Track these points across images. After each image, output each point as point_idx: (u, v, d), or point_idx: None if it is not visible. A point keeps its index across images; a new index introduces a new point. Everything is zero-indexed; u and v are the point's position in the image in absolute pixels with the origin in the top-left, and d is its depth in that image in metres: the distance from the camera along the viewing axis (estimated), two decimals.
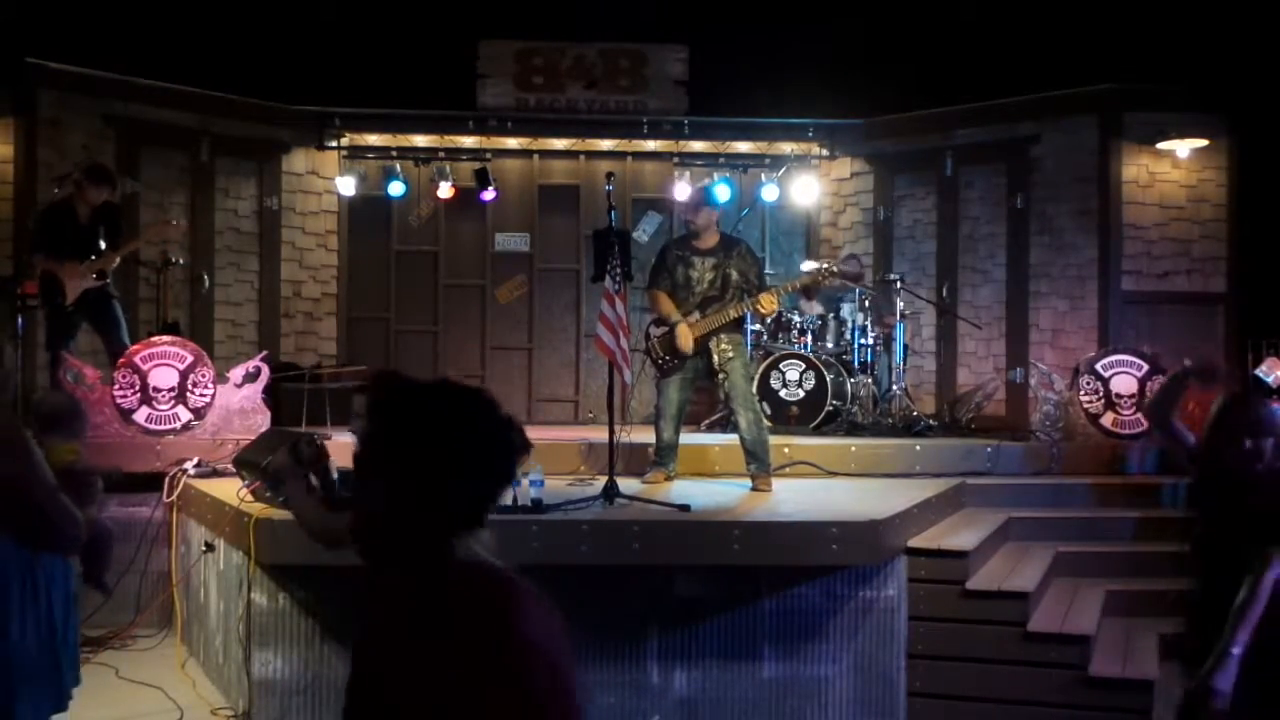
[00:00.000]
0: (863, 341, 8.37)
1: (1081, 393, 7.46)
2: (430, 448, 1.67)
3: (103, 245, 7.04)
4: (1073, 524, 6.33)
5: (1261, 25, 7.96)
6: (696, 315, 6.15)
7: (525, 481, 5.01)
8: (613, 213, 5.76)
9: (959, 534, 5.51)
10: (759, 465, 6.09)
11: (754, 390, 6.54)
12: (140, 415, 6.64)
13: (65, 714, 3.41)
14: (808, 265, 8.64)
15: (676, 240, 6.59)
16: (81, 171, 7.18)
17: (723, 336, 6.15)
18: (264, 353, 7.60)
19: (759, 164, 9.90)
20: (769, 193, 9.62)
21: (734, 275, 6.18)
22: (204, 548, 5.59)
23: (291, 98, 9.40)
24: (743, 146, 9.98)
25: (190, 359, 6.76)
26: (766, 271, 9.46)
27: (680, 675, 4.98)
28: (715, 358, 6.13)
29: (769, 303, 6.19)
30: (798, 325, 8.37)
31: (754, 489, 6.02)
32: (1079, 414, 7.48)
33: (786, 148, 9.87)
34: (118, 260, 7.13)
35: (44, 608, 3.25)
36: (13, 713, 3.05)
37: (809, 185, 9.77)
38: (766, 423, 6.82)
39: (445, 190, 9.57)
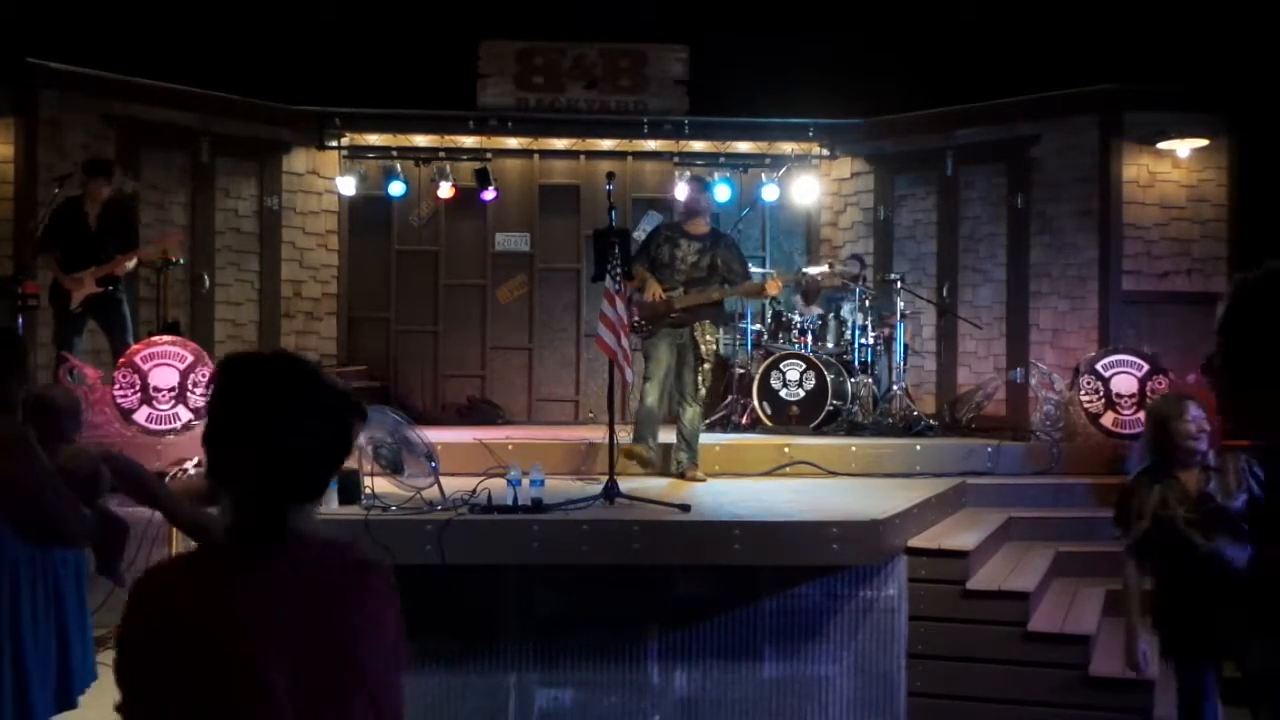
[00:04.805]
0: (863, 341, 8.37)
1: (1082, 393, 7.46)
2: (262, 414, 1.69)
3: (111, 250, 7.02)
4: (1073, 524, 6.33)
5: (1261, 25, 7.96)
6: (681, 291, 6.40)
7: (525, 481, 5.02)
8: (613, 212, 5.78)
9: (959, 534, 5.51)
10: (690, 457, 6.41)
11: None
12: (140, 415, 6.64)
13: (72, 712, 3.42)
14: (813, 269, 8.77)
15: (669, 224, 6.92)
16: (81, 168, 7.19)
17: (708, 324, 6.42)
18: None
19: (759, 164, 9.90)
20: (769, 192, 9.61)
21: (719, 262, 6.45)
22: None
23: (291, 98, 9.39)
24: (743, 146, 9.98)
25: (190, 359, 6.76)
26: (766, 270, 9.48)
27: (680, 675, 4.98)
28: (701, 347, 6.38)
29: (774, 287, 6.58)
30: (798, 325, 8.37)
31: (687, 478, 6.29)
32: (1079, 414, 7.48)
33: (787, 147, 9.87)
34: (126, 267, 7.12)
35: (54, 605, 3.27)
36: (29, 706, 3.07)
37: (809, 185, 9.77)
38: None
39: (445, 190, 9.57)
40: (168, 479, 6.04)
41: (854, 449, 7.07)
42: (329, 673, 1.63)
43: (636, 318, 6.39)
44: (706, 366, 6.46)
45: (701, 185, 6.92)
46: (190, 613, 1.62)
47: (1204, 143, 8.58)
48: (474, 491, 5.14)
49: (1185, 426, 3.82)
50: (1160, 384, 7.40)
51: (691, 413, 6.40)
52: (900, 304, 8.34)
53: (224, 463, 1.70)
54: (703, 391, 6.50)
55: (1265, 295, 1.71)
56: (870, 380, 8.33)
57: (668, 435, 6.58)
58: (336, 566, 1.71)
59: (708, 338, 6.41)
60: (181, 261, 8.06)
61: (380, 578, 1.73)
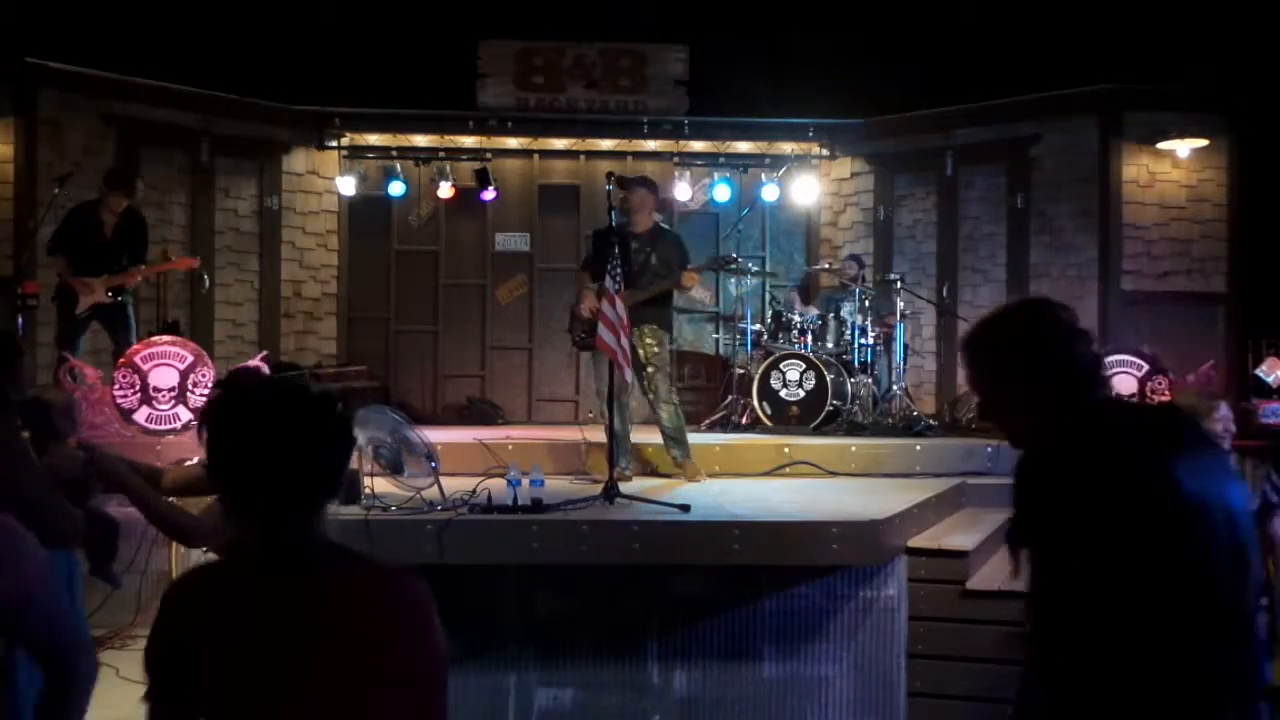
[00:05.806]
0: (863, 341, 8.36)
1: None
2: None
3: (124, 261, 6.99)
4: None
5: (1261, 25, 7.96)
6: None
7: (525, 481, 5.01)
8: (613, 213, 5.78)
9: (959, 534, 5.51)
10: (683, 452, 6.25)
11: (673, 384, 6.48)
12: (140, 415, 6.63)
13: None
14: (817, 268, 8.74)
15: (613, 226, 6.63)
16: (101, 179, 7.16)
17: (646, 329, 6.14)
18: (264, 352, 7.59)
19: (759, 164, 9.90)
20: (769, 193, 9.62)
21: (654, 261, 6.19)
22: (204, 548, 5.59)
23: (291, 98, 9.39)
24: (743, 146, 9.98)
25: (190, 359, 6.76)
26: (766, 269, 9.50)
27: (680, 675, 4.98)
28: (641, 352, 6.11)
29: (690, 279, 6.23)
30: (798, 325, 8.36)
31: (685, 478, 6.18)
32: None
33: (787, 147, 9.87)
34: (137, 280, 7.10)
35: None
36: (18, 713, 3.06)
37: (809, 185, 9.77)
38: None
39: (445, 190, 9.57)
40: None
41: (854, 449, 7.06)
42: (348, 684, 1.65)
43: (579, 334, 6.23)
44: (651, 370, 6.15)
45: (641, 178, 6.47)
46: (217, 616, 1.66)
47: (1204, 143, 8.58)
48: (474, 491, 5.14)
49: (1214, 425, 3.86)
50: (1160, 384, 7.39)
51: (666, 414, 6.21)
52: (900, 304, 8.34)
53: (232, 487, 1.72)
54: (663, 392, 6.18)
55: (975, 342, 2.20)
56: (870, 380, 8.32)
57: (647, 436, 6.60)
58: (365, 580, 1.72)
59: (648, 341, 6.13)
60: None
61: (410, 594, 1.72)
